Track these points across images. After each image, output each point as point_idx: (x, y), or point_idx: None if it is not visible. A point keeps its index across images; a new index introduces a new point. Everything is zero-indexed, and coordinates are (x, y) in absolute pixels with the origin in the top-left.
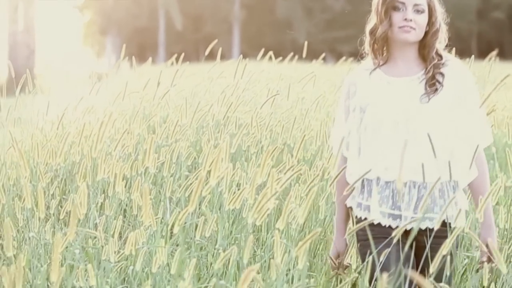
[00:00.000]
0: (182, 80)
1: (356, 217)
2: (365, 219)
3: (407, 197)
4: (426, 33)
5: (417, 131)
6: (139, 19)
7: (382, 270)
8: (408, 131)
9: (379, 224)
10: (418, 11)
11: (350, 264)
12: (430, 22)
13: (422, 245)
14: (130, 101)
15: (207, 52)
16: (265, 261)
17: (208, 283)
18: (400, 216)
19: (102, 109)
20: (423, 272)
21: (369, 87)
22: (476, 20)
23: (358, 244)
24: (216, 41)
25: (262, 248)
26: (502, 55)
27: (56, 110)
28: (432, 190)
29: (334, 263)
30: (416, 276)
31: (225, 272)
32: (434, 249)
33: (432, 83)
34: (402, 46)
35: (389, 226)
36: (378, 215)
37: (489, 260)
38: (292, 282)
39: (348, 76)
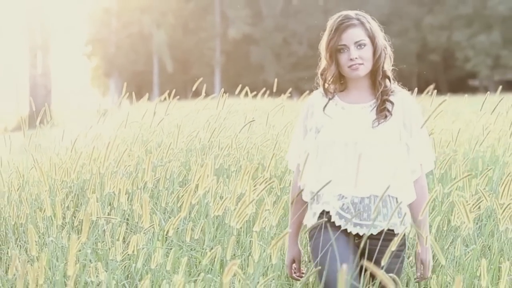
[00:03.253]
0: (174, 112)
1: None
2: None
3: (353, 207)
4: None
5: (365, 153)
6: (136, 64)
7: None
8: (356, 152)
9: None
10: (361, 46)
11: (303, 273)
12: (374, 50)
13: (371, 248)
14: (131, 129)
15: (193, 89)
16: (244, 259)
17: (197, 277)
18: (345, 218)
19: (108, 136)
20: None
21: (326, 111)
22: (416, 62)
23: (310, 246)
24: (201, 79)
25: (242, 248)
26: (438, 91)
27: (69, 137)
28: (373, 203)
29: (290, 270)
30: (371, 267)
31: (211, 268)
32: (382, 251)
33: (382, 109)
34: (355, 79)
35: (338, 226)
36: (333, 211)
37: (422, 277)
38: (267, 275)
39: (309, 98)
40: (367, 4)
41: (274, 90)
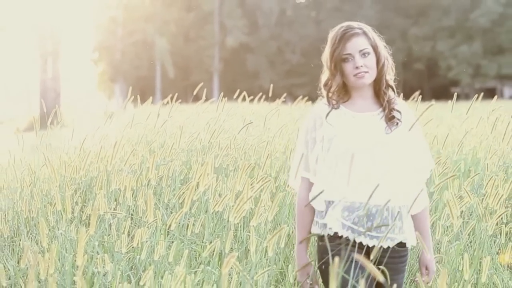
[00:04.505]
0: (176, 115)
1: (318, 236)
2: (323, 236)
3: (368, 217)
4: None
5: (383, 159)
6: (140, 70)
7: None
8: (373, 159)
9: (337, 238)
10: (365, 54)
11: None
12: (377, 59)
13: (379, 262)
14: (136, 130)
15: (194, 94)
16: (241, 252)
17: (197, 268)
18: (358, 231)
19: (114, 136)
20: (381, 286)
21: (335, 120)
22: (402, 71)
23: (319, 259)
24: (201, 84)
25: (239, 242)
26: (423, 97)
27: (78, 137)
28: (392, 213)
29: (306, 284)
30: (361, 259)
31: (211, 260)
32: (389, 268)
33: (391, 117)
34: (360, 88)
35: (346, 239)
36: (337, 226)
37: (427, 281)
38: (263, 267)
39: (313, 110)
40: (356, 16)
41: (270, 95)
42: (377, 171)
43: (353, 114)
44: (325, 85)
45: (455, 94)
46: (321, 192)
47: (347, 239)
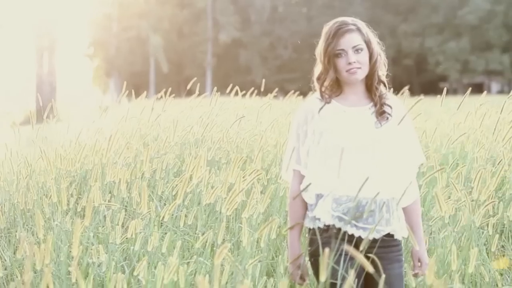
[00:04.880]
0: (169, 109)
1: (309, 229)
2: (314, 228)
3: (357, 209)
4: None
5: (372, 154)
6: (134, 65)
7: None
8: (362, 153)
9: (328, 231)
10: (358, 50)
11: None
12: (370, 55)
13: (369, 252)
14: (130, 124)
15: (187, 88)
16: (233, 243)
17: (190, 259)
18: (349, 222)
19: (109, 130)
20: (371, 277)
21: (326, 114)
22: (391, 66)
23: (309, 252)
24: (194, 79)
25: (231, 233)
26: (412, 92)
27: (73, 131)
28: (380, 206)
29: (296, 275)
30: (351, 250)
31: (203, 251)
32: (381, 257)
33: (382, 112)
34: (352, 83)
35: (337, 230)
36: (327, 217)
37: (420, 274)
38: (254, 258)
39: (304, 104)
40: (346, 12)
41: (262, 90)
42: (366, 165)
43: (344, 109)
44: (318, 78)
45: (445, 89)
46: (309, 185)
47: (337, 232)
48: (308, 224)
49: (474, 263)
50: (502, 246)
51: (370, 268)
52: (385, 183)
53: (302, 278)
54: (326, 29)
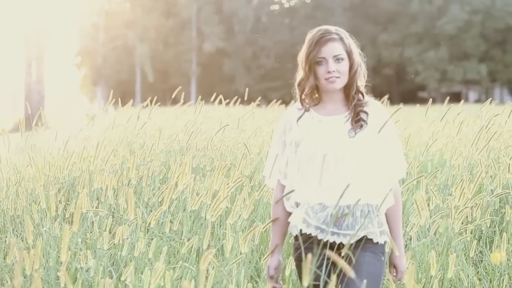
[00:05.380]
0: (155, 117)
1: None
2: (296, 236)
3: (331, 217)
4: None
5: (344, 162)
6: (121, 74)
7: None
8: (336, 162)
9: (307, 236)
10: (339, 60)
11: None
12: (350, 65)
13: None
14: (117, 132)
15: (172, 97)
16: (218, 249)
17: (176, 264)
18: (322, 229)
19: (96, 137)
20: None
21: (302, 124)
22: (372, 75)
23: (294, 256)
24: (179, 88)
25: (216, 239)
26: (391, 101)
27: (61, 139)
28: (353, 211)
29: (272, 279)
30: (333, 255)
31: (189, 257)
32: (355, 252)
33: (357, 120)
34: (330, 91)
35: (314, 238)
36: (303, 225)
37: (398, 276)
38: (238, 263)
39: (284, 114)
40: (328, 22)
41: (245, 98)
42: (340, 174)
43: (320, 118)
44: (299, 85)
45: (430, 100)
46: (289, 193)
47: (316, 238)
48: (291, 230)
49: (453, 268)
50: (480, 252)
51: (351, 274)
52: (359, 190)
53: (278, 284)
54: (309, 36)
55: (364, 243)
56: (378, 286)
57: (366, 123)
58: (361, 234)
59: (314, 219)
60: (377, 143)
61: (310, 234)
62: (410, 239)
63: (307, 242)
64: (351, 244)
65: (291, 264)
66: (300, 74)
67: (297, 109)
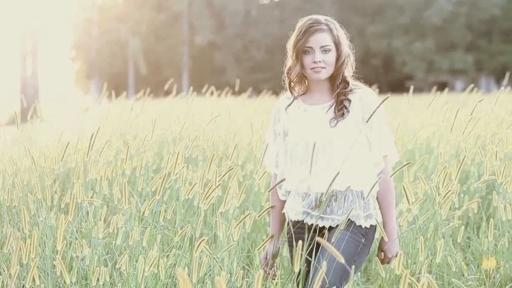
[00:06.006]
0: (148, 108)
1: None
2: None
3: (316, 202)
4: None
5: (325, 151)
6: (114, 67)
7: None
8: (318, 151)
9: (297, 222)
10: (326, 51)
11: (276, 271)
12: (337, 56)
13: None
14: (110, 124)
15: (165, 89)
16: (210, 237)
17: (170, 252)
18: (310, 214)
19: (90, 129)
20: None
21: (289, 115)
22: (360, 66)
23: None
24: (171, 80)
25: (208, 227)
26: (380, 91)
27: (56, 131)
28: (337, 197)
29: (264, 263)
30: (322, 241)
31: (182, 245)
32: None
33: (340, 109)
34: (316, 81)
35: (302, 222)
36: (292, 212)
37: (384, 260)
38: (231, 251)
39: (275, 104)
40: (317, 14)
41: (236, 89)
42: (323, 162)
43: (305, 107)
44: (288, 72)
45: (411, 87)
46: (279, 183)
47: (307, 224)
48: (286, 217)
49: (441, 254)
50: (468, 238)
51: (341, 259)
52: (342, 177)
53: (273, 272)
54: (299, 24)
55: (347, 225)
56: (348, 264)
57: (348, 111)
58: (341, 219)
59: (300, 205)
60: (360, 130)
61: (298, 220)
62: (400, 225)
63: (298, 228)
64: (336, 226)
65: (283, 251)
66: (289, 61)
67: (286, 98)
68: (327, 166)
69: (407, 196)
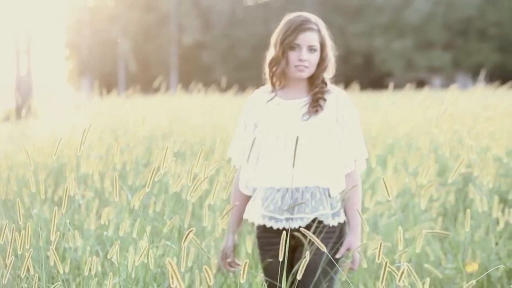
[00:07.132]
0: (138, 105)
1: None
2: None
3: (282, 200)
4: (317, 66)
5: (294, 145)
6: (105, 65)
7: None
8: (286, 145)
9: (263, 226)
10: (312, 50)
11: (238, 264)
12: (321, 57)
13: (301, 242)
14: (102, 120)
15: (154, 87)
16: (198, 228)
17: (159, 243)
18: (277, 219)
19: (82, 125)
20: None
21: (262, 107)
22: (342, 64)
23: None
24: (160, 78)
25: (196, 219)
26: (361, 87)
27: (50, 127)
28: (303, 194)
29: (223, 259)
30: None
31: (171, 236)
32: (311, 244)
33: (314, 105)
34: (297, 79)
35: (270, 227)
36: (259, 218)
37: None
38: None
39: (249, 97)
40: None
41: (224, 86)
42: (290, 156)
43: (279, 101)
44: (270, 64)
45: (391, 84)
46: (246, 176)
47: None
48: (247, 218)
49: (420, 243)
50: (446, 228)
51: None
52: (309, 173)
53: (231, 265)
54: (288, 19)
55: (316, 225)
56: (331, 269)
57: (322, 109)
58: (311, 217)
59: (266, 209)
60: (332, 129)
61: (265, 225)
62: (381, 216)
63: (265, 232)
64: (306, 227)
65: (250, 242)
66: (271, 53)
67: (261, 92)
68: (296, 161)
69: (386, 189)
